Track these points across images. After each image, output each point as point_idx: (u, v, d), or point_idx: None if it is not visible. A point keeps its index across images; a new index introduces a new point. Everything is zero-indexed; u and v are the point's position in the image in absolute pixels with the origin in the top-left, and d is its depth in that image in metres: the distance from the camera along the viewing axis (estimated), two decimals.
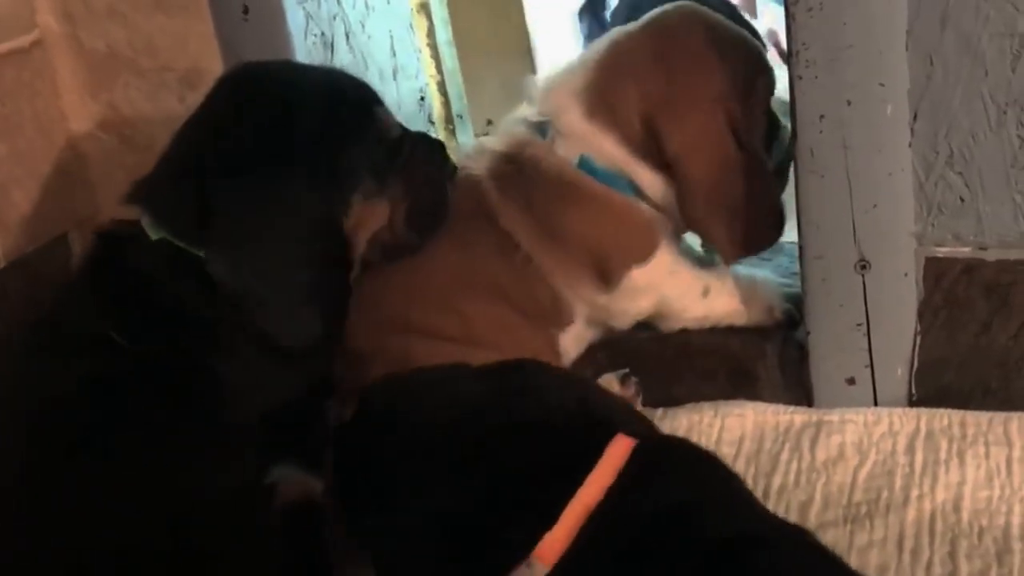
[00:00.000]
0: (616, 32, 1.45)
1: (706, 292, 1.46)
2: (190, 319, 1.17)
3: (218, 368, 1.16)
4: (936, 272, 1.31)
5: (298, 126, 1.21)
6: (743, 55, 1.41)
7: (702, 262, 1.49)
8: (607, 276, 1.40)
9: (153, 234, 1.20)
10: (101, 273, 1.23)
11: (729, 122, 1.37)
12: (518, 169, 1.39)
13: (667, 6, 1.45)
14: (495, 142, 1.45)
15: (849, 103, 1.25)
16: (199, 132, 1.25)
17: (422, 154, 1.33)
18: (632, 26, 1.44)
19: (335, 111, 1.24)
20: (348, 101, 1.28)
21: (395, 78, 1.74)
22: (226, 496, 1.11)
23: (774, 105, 1.46)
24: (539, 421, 0.94)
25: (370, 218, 1.28)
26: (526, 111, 1.46)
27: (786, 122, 1.36)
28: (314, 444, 1.24)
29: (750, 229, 1.40)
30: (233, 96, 1.27)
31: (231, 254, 1.17)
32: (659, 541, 0.83)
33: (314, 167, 1.20)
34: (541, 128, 1.41)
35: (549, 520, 0.85)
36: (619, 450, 0.89)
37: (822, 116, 1.26)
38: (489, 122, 2.07)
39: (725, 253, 1.42)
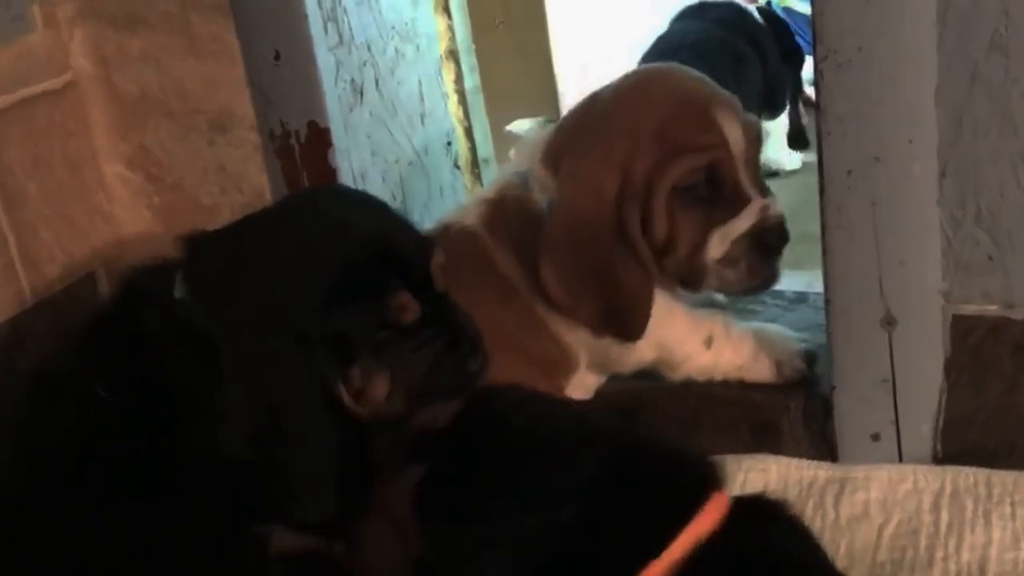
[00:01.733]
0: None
1: (709, 342, 1.44)
2: (184, 391, 1.14)
3: (201, 443, 1.13)
4: (963, 329, 1.31)
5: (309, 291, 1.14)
6: (662, 138, 1.28)
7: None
8: None
9: (178, 292, 1.18)
10: (113, 326, 1.22)
11: (617, 198, 1.30)
12: (506, 217, 1.40)
13: (650, 66, 1.46)
14: (487, 192, 1.46)
15: (877, 159, 1.25)
16: (248, 233, 1.21)
17: (438, 346, 1.20)
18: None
19: (364, 275, 1.15)
20: (367, 277, 1.16)
21: (423, 123, 1.76)
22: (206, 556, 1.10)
23: None
24: (654, 454, 0.98)
25: (367, 391, 1.17)
26: (514, 162, 1.48)
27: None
28: None
29: (611, 312, 1.34)
30: (270, 229, 1.21)
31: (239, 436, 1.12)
32: None
33: (313, 346, 1.13)
34: (524, 177, 1.41)
35: (655, 551, 0.88)
36: (722, 499, 0.93)
37: (850, 172, 1.26)
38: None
39: (584, 323, 1.38)
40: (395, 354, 1.16)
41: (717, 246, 1.29)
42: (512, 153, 1.43)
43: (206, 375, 1.12)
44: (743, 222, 1.28)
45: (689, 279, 1.34)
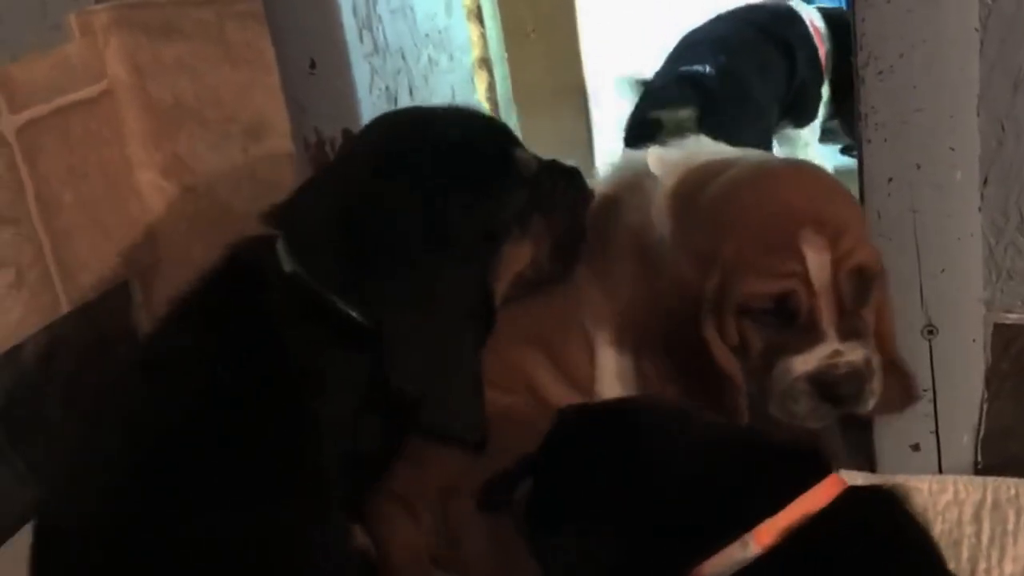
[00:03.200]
0: None
1: None
2: (303, 362, 1.18)
3: (319, 415, 1.17)
4: (1005, 339, 1.29)
5: (447, 190, 1.19)
6: (739, 255, 1.17)
7: None
8: None
9: (287, 266, 1.20)
10: (221, 298, 1.24)
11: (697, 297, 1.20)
12: (611, 219, 1.36)
13: (776, 161, 1.38)
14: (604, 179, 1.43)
15: (918, 167, 1.24)
16: (348, 184, 1.24)
17: (559, 185, 1.30)
18: None
19: (479, 166, 1.22)
20: (489, 151, 1.25)
21: None
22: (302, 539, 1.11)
23: None
24: (770, 440, 1.00)
25: (515, 261, 1.26)
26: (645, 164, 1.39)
27: None
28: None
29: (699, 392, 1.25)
30: (382, 153, 1.25)
31: (406, 358, 1.17)
32: (870, 569, 0.88)
33: (469, 242, 1.20)
34: (645, 193, 1.35)
35: (771, 510, 0.90)
36: (838, 482, 0.94)
37: (890, 179, 1.26)
38: None
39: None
40: (530, 219, 1.26)
41: (778, 378, 1.15)
42: (652, 155, 1.31)
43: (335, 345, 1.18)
44: (806, 363, 1.13)
45: (759, 395, 1.22)
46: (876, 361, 1.15)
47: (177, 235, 1.70)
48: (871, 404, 1.16)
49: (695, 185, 1.23)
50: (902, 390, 1.23)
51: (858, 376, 1.13)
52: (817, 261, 1.11)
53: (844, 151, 2.40)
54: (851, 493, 0.93)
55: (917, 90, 1.21)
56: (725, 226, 1.16)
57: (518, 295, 1.29)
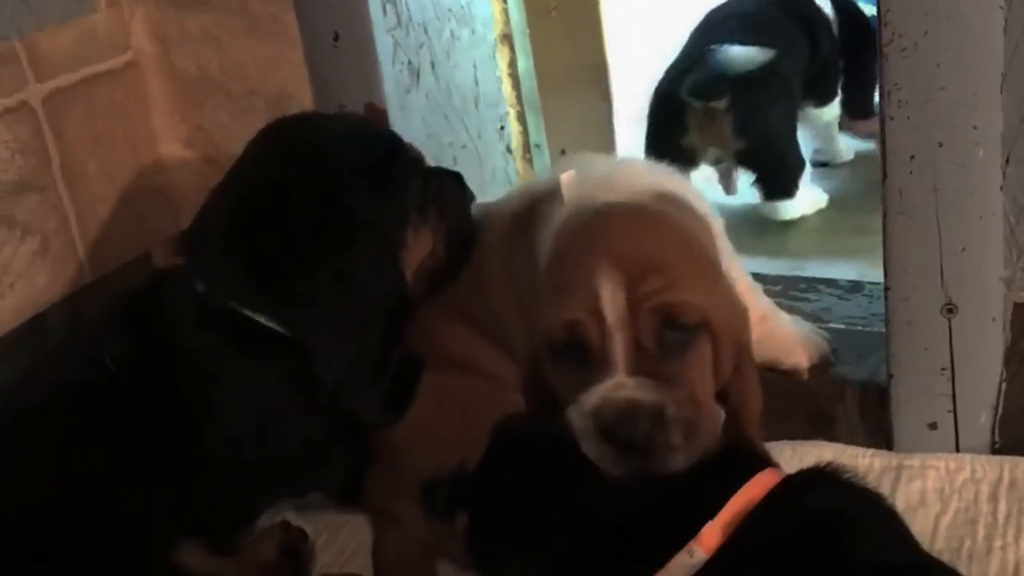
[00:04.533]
0: None
1: (764, 319, 1.40)
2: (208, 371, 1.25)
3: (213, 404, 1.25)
4: None
5: (348, 182, 1.25)
6: (549, 285, 1.12)
7: None
8: None
9: (199, 287, 1.26)
10: (137, 301, 1.32)
11: None
12: (520, 239, 1.35)
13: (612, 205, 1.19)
14: (516, 199, 1.41)
15: (940, 145, 1.24)
16: (246, 193, 1.29)
17: (446, 182, 1.37)
18: None
19: (375, 157, 1.28)
20: (380, 145, 1.31)
21: (477, 107, 1.76)
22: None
23: None
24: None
25: (417, 249, 1.32)
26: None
27: None
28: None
29: None
30: (274, 157, 1.31)
31: (325, 348, 1.24)
32: (816, 549, 0.89)
33: (376, 227, 1.26)
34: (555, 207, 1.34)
35: (711, 512, 0.92)
36: (773, 473, 0.96)
37: (912, 157, 1.25)
38: (563, 152, 2.08)
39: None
40: (427, 208, 1.32)
41: (573, 415, 1.03)
42: (564, 181, 1.25)
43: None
44: (591, 398, 1.01)
45: None
46: (681, 414, 1.00)
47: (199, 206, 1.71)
48: (672, 462, 0.99)
49: (565, 226, 1.16)
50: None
51: (639, 415, 0.98)
52: (610, 294, 1.02)
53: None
54: (787, 481, 0.95)
55: (940, 68, 1.21)
56: (553, 267, 1.11)
57: (422, 292, 1.35)
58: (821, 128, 2.26)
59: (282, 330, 1.24)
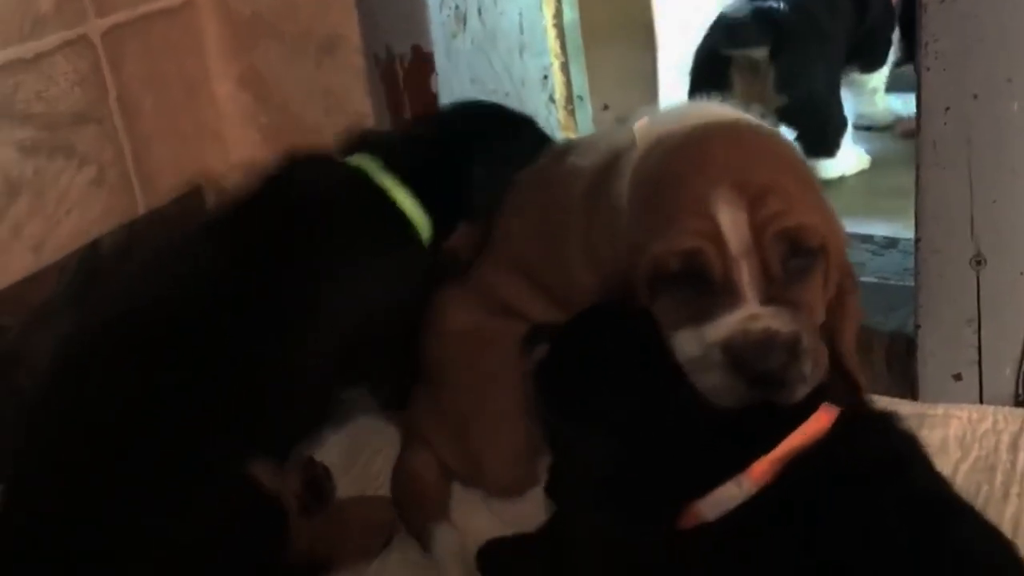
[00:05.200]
0: None
1: None
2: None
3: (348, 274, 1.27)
4: None
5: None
6: (655, 215, 1.07)
7: None
8: None
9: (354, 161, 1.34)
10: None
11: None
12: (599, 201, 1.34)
13: (708, 124, 1.17)
14: (595, 155, 1.36)
15: (976, 97, 1.25)
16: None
17: None
18: None
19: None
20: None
21: (521, 56, 1.79)
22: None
23: None
24: None
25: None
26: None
27: None
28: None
29: None
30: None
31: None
32: (869, 486, 0.90)
33: None
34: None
35: (762, 450, 0.91)
36: (829, 411, 0.94)
37: (947, 108, 1.27)
38: (605, 107, 2.10)
39: None
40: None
41: (685, 344, 1.01)
42: (638, 126, 1.22)
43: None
44: (717, 329, 0.98)
45: None
46: (811, 344, 0.98)
47: (250, 144, 1.77)
48: (799, 393, 0.96)
49: (647, 157, 1.14)
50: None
51: (777, 346, 0.95)
52: (732, 219, 0.99)
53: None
54: (841, 421, 0.93)
55: (978, 19, 1.22)
56: (649, 196, 1.07)
57: None
58: (866, 94, 2.27)
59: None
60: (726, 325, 0.97)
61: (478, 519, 1.29)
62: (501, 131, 1.44)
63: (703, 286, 0.99)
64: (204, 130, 1.75)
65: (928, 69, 1.27)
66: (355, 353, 1.28)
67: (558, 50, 1.90)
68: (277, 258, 1.23)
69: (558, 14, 1.87)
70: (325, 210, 1.28)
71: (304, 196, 1.29)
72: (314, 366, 1.23)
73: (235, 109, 1.76)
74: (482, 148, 1.39)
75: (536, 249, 1.35)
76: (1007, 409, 1.36)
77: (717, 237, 0.98)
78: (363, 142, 1.37)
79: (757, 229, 0.98)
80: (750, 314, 0.97)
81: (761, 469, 0.91)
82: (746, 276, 0.98)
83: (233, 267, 1.22)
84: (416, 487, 1.33)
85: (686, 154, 1.06)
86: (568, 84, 1.93)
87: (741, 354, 0.95)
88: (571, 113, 1.96)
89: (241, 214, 1.28)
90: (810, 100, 1.98)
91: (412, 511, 1.30)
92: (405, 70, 1.59)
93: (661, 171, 1.08)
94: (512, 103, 1.78)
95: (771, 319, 0.96)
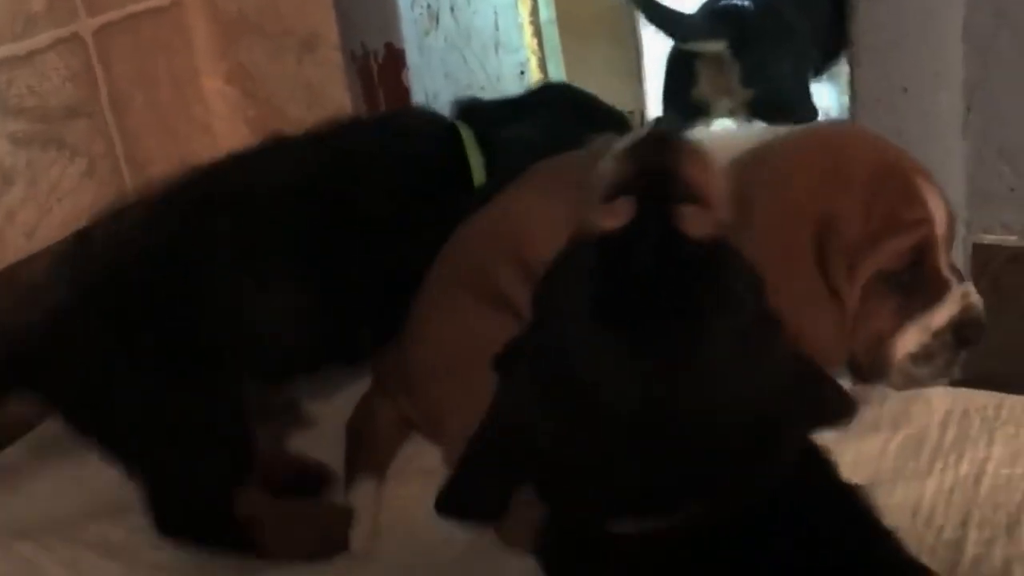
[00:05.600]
0: None
1: None
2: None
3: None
4: (983, 259, 1.36)
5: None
6: (869, 209, 1.09)
7: None
8: None
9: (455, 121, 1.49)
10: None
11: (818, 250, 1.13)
12: None
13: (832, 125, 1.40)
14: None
15: (905, 90, 1.31)
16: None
17: None
18: None
19: None
20: None
21: (496, 52, 1.86)
22: None
23: None
24: None
25: None
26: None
27: None
28: None
29: None
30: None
31: None
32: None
33: None
34: None
35: None
36: None
37: (878, 101, 1.33)
38: None
39: None
40: None
41: (913, 338, 1.09)
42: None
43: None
44: (945, 312, 1.07)
45: (867, 370, 1.15)
46: None
47: (238, 136, 1.85)
48: None
49: (758, 150, 1.14)
50: None
51: (983, 311, 1.09)
52: (938, 207, 1.06)
53: None
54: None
55: (906, 15, 1.28)
56: (836, 177, 1.07)
57: None
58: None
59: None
60: (950, 308, 1.07)
61: None
62: (588, 120, 1.54)
63: (914, 276, 1.07)
64: (194, 123, 1.84)
65: (860, 64, 1.33)
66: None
67: (535, 47, 1.96)
68: (361, 182, 1.37)
69: (534, 11, 1.93)
70: (412, 156, 1.43)
71: (403, 138, 1.45)
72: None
73: (223, 103, 1.85)
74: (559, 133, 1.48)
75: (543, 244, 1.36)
76: (942, 389, 1.41)
77: (932, 226, 1.06)
78: (469, 111, 1.52)
79: (947, 212, 1.07)
80: (963, 292, 1.08)
81: None
82: (944, 260, 1.07)
83: (323, 178, 1.36)
84: (367, 432, 1.35)
85: (849, 146, 1.10)
86: (546, 78, 1.99)
87: (968, 332, 1.08)
88: None
89: (347, 133, 1.45)
90: (777, 93, 2.02)
91: (354, 452, 1.32)
92: (379, 66, 1.67)
93: (825, 161, 1.08)
94: (488, 97, 1.86)
95: (973, 291, 1.09)
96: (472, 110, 1.53)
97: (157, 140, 1.77)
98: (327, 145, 1.41)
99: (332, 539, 1.21)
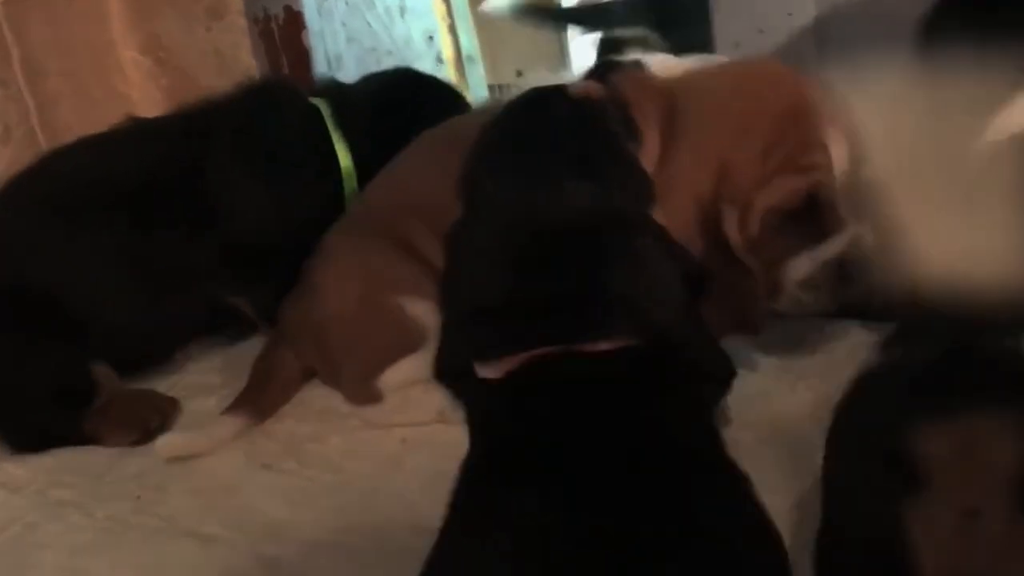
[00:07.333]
0: None
1: None
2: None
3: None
4: None
5: None
6: (768, 153, 1.15)
7: None
8: None
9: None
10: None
11: (712, 196, 1.18)
12: None
13: (759, 64, 1.25)
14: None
15: (761, 31, 1.38)
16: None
17: None
18: None
19: None
20: None
21: (402, 16, 1.92)
22: None
23: None
24: None
25: None
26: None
27: None
28: None
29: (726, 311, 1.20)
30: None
31: None
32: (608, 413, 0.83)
33: None
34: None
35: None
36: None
37: (737, 44, 1.40)
38: (519, 73, 2.21)
39: None
40: None
41: (801, 268, 1.16)
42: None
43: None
44: (832, 248, 1.15)
45: (765, 292, 1.21)
46: None
47: (153, 103, 1.91)
48: None
49: (685, 90, 1.20)
50: None
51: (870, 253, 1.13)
52: (839, 152, 1.11)
53: None
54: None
55: None
56: (745, 121, 1.13)
57: None
58: None
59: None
60: (838, 245, 1.13)
61: None
62: (430, 97, 1.57)
63: (809, 213, 1.13)
64: (112, 92, 1.90)
65: (719, 10, 1.40)
66: (248, 254, 1.46)
67: (444, 13, 2.02)
68: (226, 150, 1.45)
69: None
70: (275, 128, 1.50)
71: (265, 113, 1.51)
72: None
73: (138, 73, 1.91)
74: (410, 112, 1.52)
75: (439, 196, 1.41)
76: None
77: (830, 170, 1.12)
78: (325, 89, 1.57)
79: (850, 156, 1.11)
80: (855, 234, 1.13)
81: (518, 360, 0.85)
82: (843, 201, 1.12)
83: (189, 147, 1.46)
84: (261, 374, 1.38)
85: (762, 91, 1.15)
86: (457, 45, 2.05)
87: (853, 269, 1.12)
88: (462, 74, 2.08)
89: (211, 109, 1.52)
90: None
91: (246, 389, 1.36)
92: (280, 28, 1.74)
93: (734, 107, 1.15)
94: (396, 62, 1.93)
95: (867, 234, 1.13)
96: (329, 88, 1.57)
97: (75, 108, 1.83)
98: (178, 128, 1.50)
99: (147, 427, 1.36)
